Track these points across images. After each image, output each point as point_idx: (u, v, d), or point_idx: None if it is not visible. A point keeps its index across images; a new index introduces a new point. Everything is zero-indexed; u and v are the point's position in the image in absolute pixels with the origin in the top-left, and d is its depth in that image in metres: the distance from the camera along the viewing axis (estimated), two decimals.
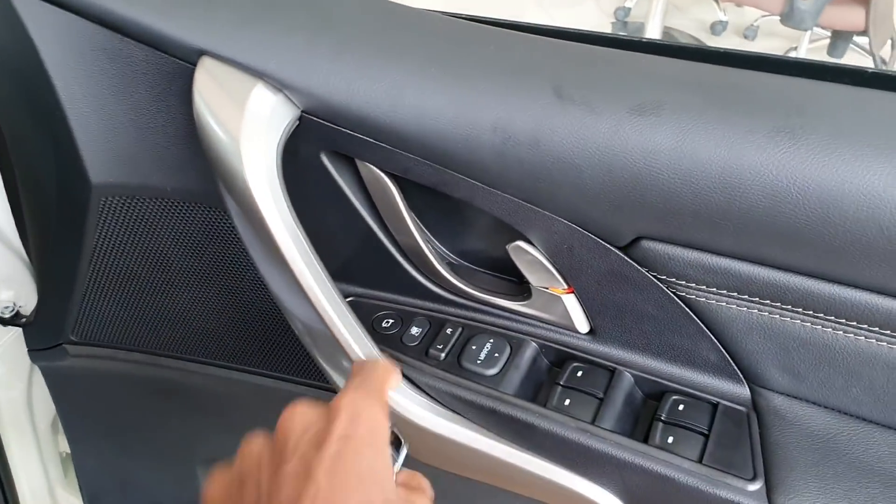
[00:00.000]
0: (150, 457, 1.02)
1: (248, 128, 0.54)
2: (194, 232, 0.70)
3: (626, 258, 0.54)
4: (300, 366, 0.79)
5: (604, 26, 3.71)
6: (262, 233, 0.56)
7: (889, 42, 2.66)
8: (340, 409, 0.45)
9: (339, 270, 0.69)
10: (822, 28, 2.65)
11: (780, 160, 0.46)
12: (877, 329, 0.50)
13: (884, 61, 2.81)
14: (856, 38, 2.87)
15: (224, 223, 0.69)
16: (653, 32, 3.44)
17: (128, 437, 1.01)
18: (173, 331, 0.81)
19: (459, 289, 0.65)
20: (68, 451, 1.06)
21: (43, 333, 0.87)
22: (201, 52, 0.56)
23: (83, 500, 1.09)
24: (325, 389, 0.76)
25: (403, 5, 0.60)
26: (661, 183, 0.49)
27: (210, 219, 0.69)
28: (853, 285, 0.49)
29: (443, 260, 0.65)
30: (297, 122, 0.57)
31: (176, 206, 0.69)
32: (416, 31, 0.57)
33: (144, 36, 0.57)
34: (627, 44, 0.57)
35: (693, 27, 3.71)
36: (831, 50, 2.89)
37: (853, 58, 3.21)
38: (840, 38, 2.78)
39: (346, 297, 0.70)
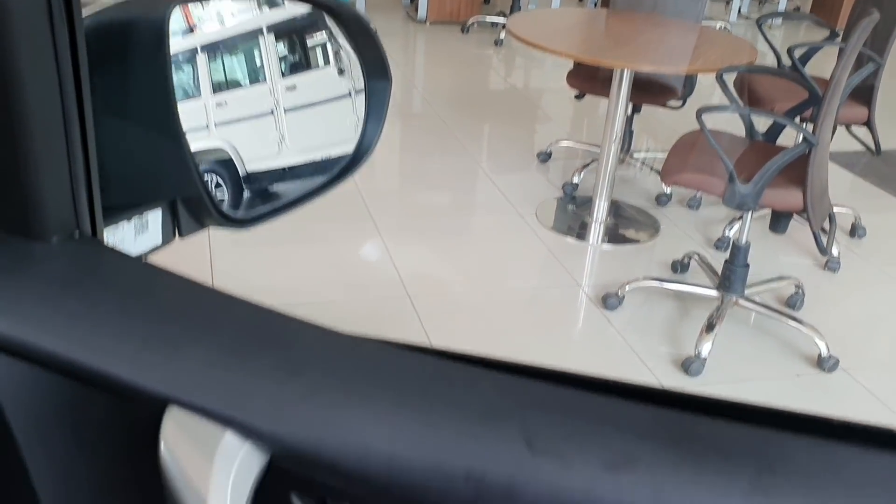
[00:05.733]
0: None
1: (216, 484, 0.52)
2: None
3: None
4: None
5: (550, 198, 3.83)
6: None
7: (827, 219, 2.78)
8: None
9: None
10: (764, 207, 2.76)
11: None
12: None
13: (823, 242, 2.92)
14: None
15: None
16: (601, 205, 3.57)
17: None
18: None
19: None
20: None
21: None
22: (167, 401, 0.55)
23: None
24: None
25: (374, 341, 0.60)
26: None
27: None
28: None
29: None
30: (266, 468, 0.54)
31: None
32: (386, 372, 0.57)
33: (110, 385, 0.56)
34: (591, 383, 0.56)
35: (640, 199, 3.85)
36: (773, 225, 3.01)
37: (795, 227, 3.35)
38: (782, 214, 2.91)
39: None
